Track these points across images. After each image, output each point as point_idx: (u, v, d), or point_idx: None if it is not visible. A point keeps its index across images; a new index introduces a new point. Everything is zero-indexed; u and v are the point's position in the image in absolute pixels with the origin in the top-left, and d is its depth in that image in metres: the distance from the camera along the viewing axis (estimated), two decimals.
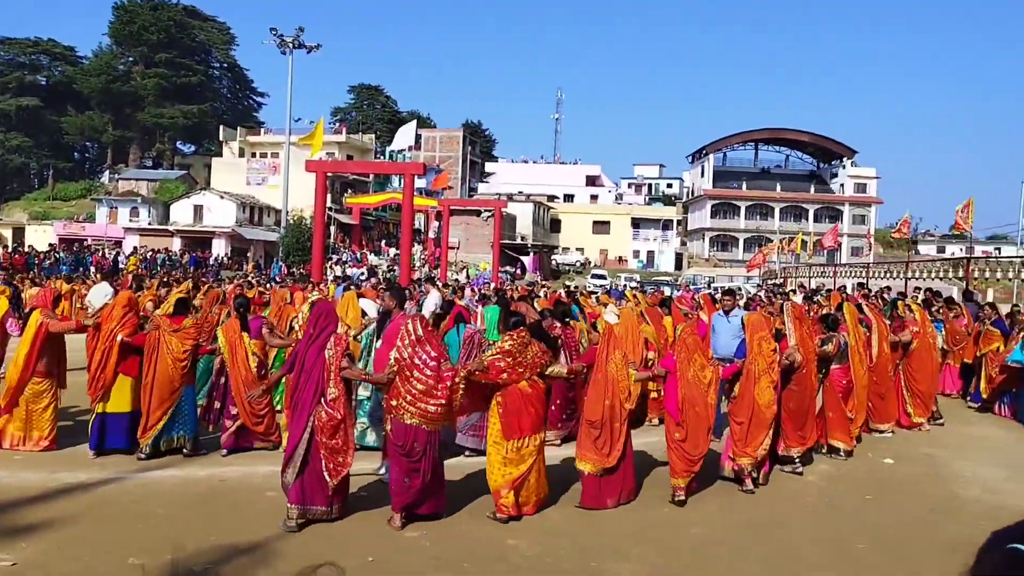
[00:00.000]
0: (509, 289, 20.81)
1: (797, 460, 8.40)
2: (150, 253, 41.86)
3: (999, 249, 68.16)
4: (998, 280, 20.46)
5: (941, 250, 77.95)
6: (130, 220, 54.43)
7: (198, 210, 54.77)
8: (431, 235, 52.35)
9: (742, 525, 6.71)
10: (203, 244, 51.23)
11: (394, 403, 6.31)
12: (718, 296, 20.78)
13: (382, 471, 7.40)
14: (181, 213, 55.06)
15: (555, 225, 75.82)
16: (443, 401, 6.26)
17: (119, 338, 8.14)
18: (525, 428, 6.55)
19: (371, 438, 8.42)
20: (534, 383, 6.67)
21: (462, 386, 6.34)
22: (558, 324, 9.82)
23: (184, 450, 8.29)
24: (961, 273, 20.59)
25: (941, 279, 23.00)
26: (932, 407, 11.26)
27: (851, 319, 9.77)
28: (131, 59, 77.15)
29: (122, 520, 6.32)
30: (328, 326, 6.52)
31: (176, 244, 50.38)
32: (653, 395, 9.66)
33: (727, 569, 5.72)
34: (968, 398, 13.29)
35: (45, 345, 8.41)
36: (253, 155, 65.05)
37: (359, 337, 8.65)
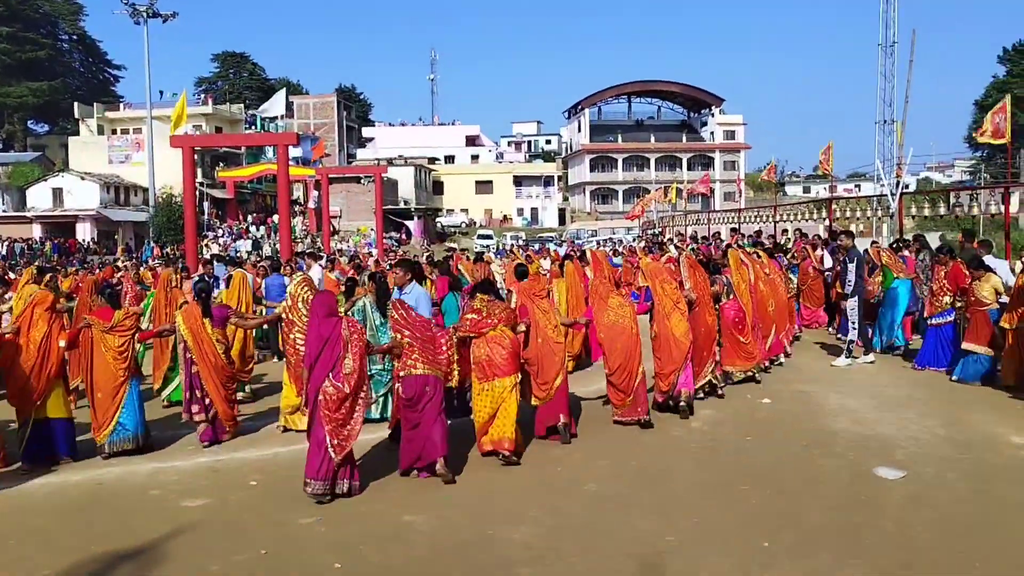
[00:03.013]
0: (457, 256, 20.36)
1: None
2: (7, 242, 39.27)
3: (859, 187, 72.31)
4: (858, 218, 21.59)
5: (807, 190, 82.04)
6: None
7: (57, 193, 51.52)
8: (311, 205, 50.90)
9: (632, 478, 6.93)
10: (66, 230, 48.31)
11: (409, 361, 6.83)
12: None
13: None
14: (39, 198, 51.66)
15: (438, 187, 75.32)
16: (447, 352, 7.06)
17: (62, 344, 7.67)
18: (496, 372, 7.29)
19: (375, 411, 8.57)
20: (503, 332, 7.43)
21: (455, 339, 7.22)
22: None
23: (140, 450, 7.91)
24: (825, 213, 21.60)
25: (807, 220, 24.08)
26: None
27: (734, 263, 10.78)
28: None
29: None
30: (334, 309, 6.75)
31: (36, 231, 47.39)
32: None
33: (620, 524, 5.88)
34: (831, 329, 14.54)
35: None
36: (114, 132, 61.37)
37: (350, 313, 8.47)
